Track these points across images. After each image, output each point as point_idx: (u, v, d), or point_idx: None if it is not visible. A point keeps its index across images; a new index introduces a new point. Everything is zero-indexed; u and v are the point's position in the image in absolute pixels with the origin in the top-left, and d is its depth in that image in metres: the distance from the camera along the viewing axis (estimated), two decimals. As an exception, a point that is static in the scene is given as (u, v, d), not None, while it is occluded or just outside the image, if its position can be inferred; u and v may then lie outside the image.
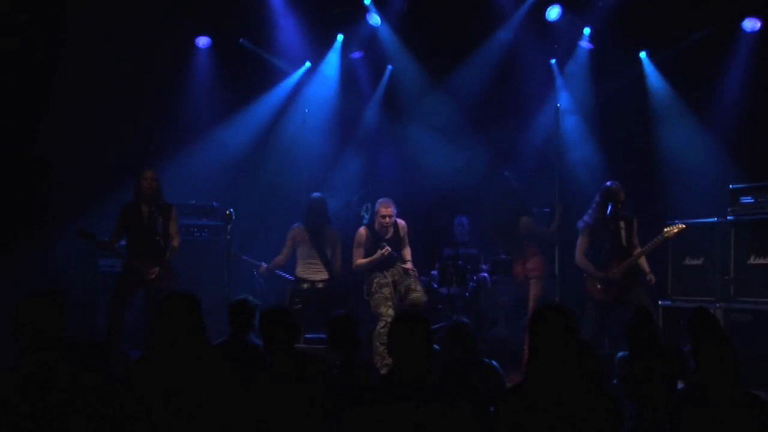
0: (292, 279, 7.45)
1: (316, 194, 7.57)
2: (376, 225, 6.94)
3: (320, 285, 7.31)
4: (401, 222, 7.06)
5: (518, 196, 7.64)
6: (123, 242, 6.56)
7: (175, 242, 6.62)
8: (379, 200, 7.00)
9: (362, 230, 7.01)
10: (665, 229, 6.41)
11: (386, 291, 6.74)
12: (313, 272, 7.35)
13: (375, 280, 6.81)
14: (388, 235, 6.91)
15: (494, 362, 4.46)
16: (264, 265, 7.51)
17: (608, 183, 6.61)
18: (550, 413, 2.84)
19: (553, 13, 8.38)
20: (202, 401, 3.20)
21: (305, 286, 7.29)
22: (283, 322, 3.81)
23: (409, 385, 2.99)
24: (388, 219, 6.87)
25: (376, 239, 6.90)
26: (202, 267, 7.52)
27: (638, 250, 6.47)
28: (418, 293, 6.77)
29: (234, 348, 4.56)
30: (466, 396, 3.12)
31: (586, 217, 6.65)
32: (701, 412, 3.27)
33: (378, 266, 6.86)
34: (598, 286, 6.50)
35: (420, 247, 6.68)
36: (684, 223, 6.45)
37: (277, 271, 7.54)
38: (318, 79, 9.13)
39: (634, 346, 4.60)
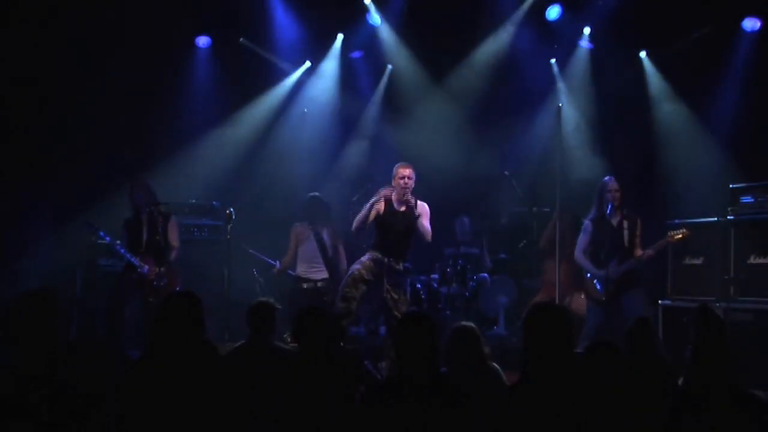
0: (293, 274, 7.51)
1: (313, 193, 7.65)
2: (395, 191, 6.10)
3: (320, 284, 7.38)
4: (424, 205, 6.24)
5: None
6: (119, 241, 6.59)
7: (175, 252, 6.75)
8: (397, 164, 6.18)
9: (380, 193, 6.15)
10: (669, 233, 6.37)
11: (360, 273, 5.98)
12: (315, 272, 7.42)
13: (364, 259, 6.10)
14: (408, 201, 6.00)
15: (496, 365, 4.44)
16: (278, 265, 7.60)
17: (605, 179, 6.59)
18: (547, 413, 2.83)
19: (553, 12, 8.38)
20: (202, 401, 3.19)
21: (305, 285, 7.37)
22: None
23: (412, 385, 2.99)
24: (407, 180, 5.99)
25: (390, 208, 6.09)
26: (202, 267, 7.52)
27: (639, 251, 6.44)
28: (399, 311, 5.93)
29: (257, 350, 4.41)
30: (468, 398, 3.11)
31: (589, 215, 6.65)
32: (700, 412, 3.26)
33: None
34: (596, 285, 6.49)
35: (420, 246, 6.63)
36: (686, 227, 6.41)
37: (288, 271, 7.62)
38: (318, 78, 9.13)
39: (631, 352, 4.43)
